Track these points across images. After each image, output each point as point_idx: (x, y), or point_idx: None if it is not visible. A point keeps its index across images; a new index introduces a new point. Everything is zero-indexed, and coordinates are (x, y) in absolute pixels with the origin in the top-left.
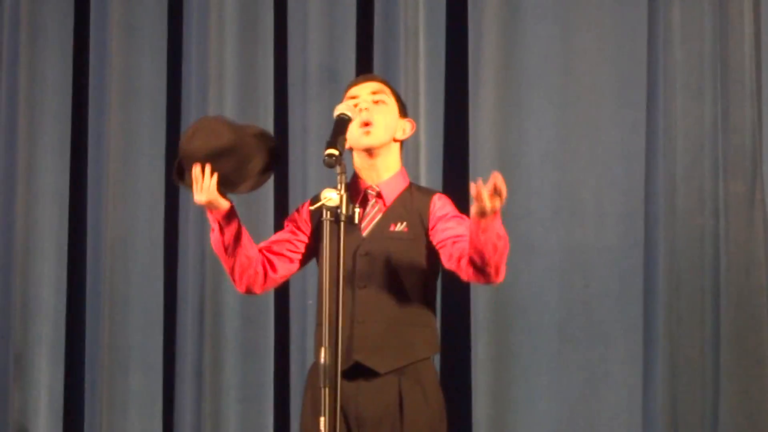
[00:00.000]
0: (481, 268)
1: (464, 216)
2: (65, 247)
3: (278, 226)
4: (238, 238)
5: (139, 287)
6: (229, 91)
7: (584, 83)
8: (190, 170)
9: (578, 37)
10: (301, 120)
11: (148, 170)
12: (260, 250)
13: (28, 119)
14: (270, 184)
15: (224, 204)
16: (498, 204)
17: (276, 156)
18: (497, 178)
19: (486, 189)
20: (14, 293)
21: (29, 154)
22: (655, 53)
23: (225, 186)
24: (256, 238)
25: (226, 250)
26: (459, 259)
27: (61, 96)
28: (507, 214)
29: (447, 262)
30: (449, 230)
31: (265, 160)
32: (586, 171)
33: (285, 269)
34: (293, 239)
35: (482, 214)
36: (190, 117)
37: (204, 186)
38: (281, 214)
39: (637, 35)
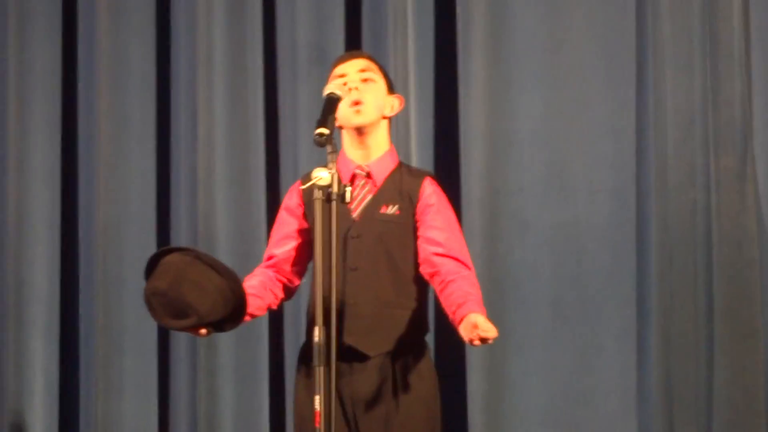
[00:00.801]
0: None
1: (450, 207)
2: (58, 230)
3: (269, 206)
4: (248, 316)
5: (133, 269)
6: (218, 72)
7: (573, 60)
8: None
9: (567, 14)
10: (290, 99)
11: (139, 152)
12: (273, 271)
13: (18, 102)
14: (260, 161)
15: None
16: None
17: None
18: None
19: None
20: (7, 276)
21: (20, 138)
22: (643, 29)
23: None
24: (248, 219)
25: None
26: (433, 276)
27: (50, 79)
28: (499, 191)
29: (422, 265)
30: (433, 232)
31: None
32: (576, 147)
33: (302, 274)
34: (296, 245)
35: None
36: (179, 98)
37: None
38: (273, 193)
39: (626, 11)
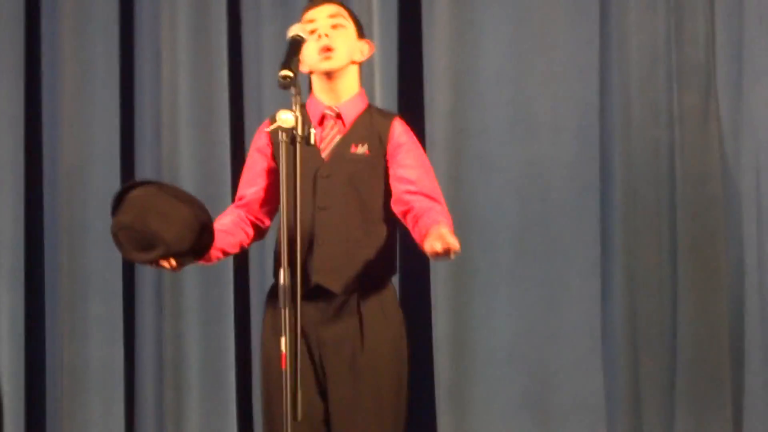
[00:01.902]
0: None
1: (420, 146)
2: (22, 175)
3: (234, 148)
4: (215, 253)
5: (97, 213)
6: (181, 13)
7: None
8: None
9: None
10: (254, 41)
11: (103, 95)
12: (244, 211)
13: None
14: (224, 103)
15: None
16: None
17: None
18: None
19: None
20: None
21: None
22: None
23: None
24: (212, 161)
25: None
26: (405, 213)
27: (13, 26)
28: (463, 132)
29: (394, 204)
30: (405, 170)
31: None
32: (540, 86)
33: (273, 214)
34: (265, 185)
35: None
36: (143, 41)
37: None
38: (237, 135)
39: None
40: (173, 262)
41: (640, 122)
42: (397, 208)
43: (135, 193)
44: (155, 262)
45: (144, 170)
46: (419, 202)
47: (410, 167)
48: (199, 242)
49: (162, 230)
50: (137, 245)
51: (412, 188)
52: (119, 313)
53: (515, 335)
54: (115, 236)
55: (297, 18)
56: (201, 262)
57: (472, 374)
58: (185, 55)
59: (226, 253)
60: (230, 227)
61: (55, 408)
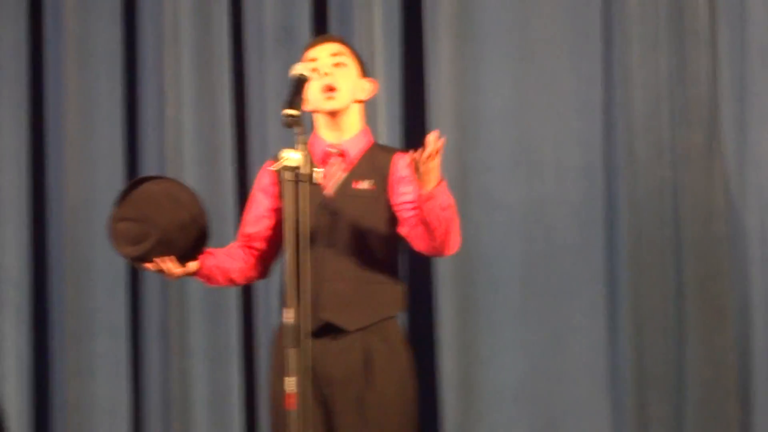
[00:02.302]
0: (429, 239)
1: None
2: (26, 211)
3: (238, 186)
4: (218, 273)
5: (102, 250)
6: (185, 51)
7: (540, 36)
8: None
9: None
10: (257, 79)
11: (107, 132)
12: (247, 250)
13: None
14: (228, 141)
15: (194, 266)
16: (431, 164)
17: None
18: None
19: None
20: None
21: None
22: (610, 5)
23: (185, 259)
24: (216, 199)
25: (215, 282)
26: (413, 228)
27: (17, 60)
28: (466, 169)
29: (400, 227)
30: (407, 195)
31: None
32: (544, 125)
33: (277, 254)
34: (271, 224)
35: (418, 173)
36: (146, 77)
37: (169, 273)
38: (241, 173)
39: None
40: (170, 264)
41: (644, 161)
42: (403, 230)
43: (137, 191)
44: (151, 261)
45: None
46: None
47: (411, 192)
48: (193, 232)
49: (156, 215)
50: (130, 238)
51: (413, 205)
52: (125, 350)
53: (522, 374)
54: (112, 229)
55: (300, 54)
56: (202, 280)
57: (478, 413)
58: (189, 92)
59: (229, 278)
60: (232, 254)
61: None
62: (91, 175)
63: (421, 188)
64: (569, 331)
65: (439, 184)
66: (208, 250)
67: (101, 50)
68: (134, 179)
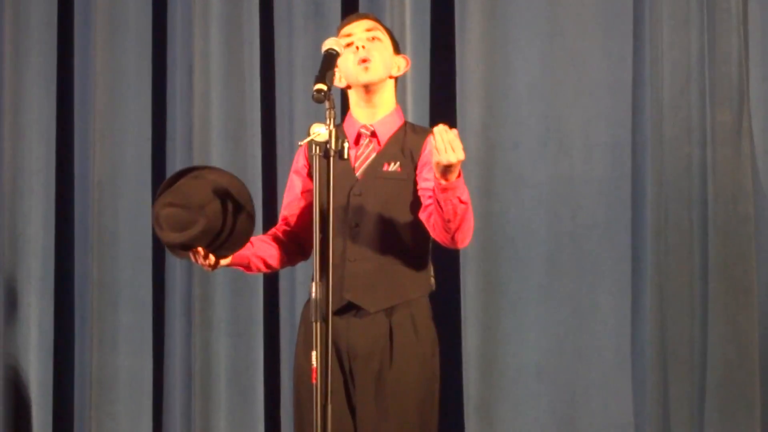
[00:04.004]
0: (442, 229)
1: None
2: (53, 184)
3: (265, 160)
4: (256, 261)
5: (127, 223)
6: (214, 27)
7: (570, 14)
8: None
9: None
10: (286, 54)
11: (135, 106)
12: (285, 231)
13: (13, 57)
14: (256, 117)
15: (227, 260)
16: (453, 158)
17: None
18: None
19: (443, 141)
20: (2, 230)
21: (15, 93)
22: None
23: (221, 251)
24: (243, 173)
25: (254, 270)
26: (429, 216)
27: (46, 32)
28: (495, 146)
29: (421, 214)
30: (429, 181)
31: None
32: (573, 102)
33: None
34: (304, 205)
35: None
36: (175, 53)
37: (207, 266)
38: (269, 148)
39: None
40: (211, 257)
41: (672, 140)
42: (423, 216)
43: (185, 178)
44: (193, 250)
45: None
46: None
47: (432, 180)
48: (240, 223)
49: (203, 203)
50: (177, 225)
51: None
52: (148, 323)
53: (545, 351)
54: (156, 218)
55: (330, 29)
56: (241, 269)
57: (500, 390)
58: (217, 66)
59: (267, 264)
60: (271, 241)
61: (82, 418)
62: (118, 149)
63: (440, 178)
64: (593, 310)
65: (459, 176)
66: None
67: (130, 25)
68: (183, 168)
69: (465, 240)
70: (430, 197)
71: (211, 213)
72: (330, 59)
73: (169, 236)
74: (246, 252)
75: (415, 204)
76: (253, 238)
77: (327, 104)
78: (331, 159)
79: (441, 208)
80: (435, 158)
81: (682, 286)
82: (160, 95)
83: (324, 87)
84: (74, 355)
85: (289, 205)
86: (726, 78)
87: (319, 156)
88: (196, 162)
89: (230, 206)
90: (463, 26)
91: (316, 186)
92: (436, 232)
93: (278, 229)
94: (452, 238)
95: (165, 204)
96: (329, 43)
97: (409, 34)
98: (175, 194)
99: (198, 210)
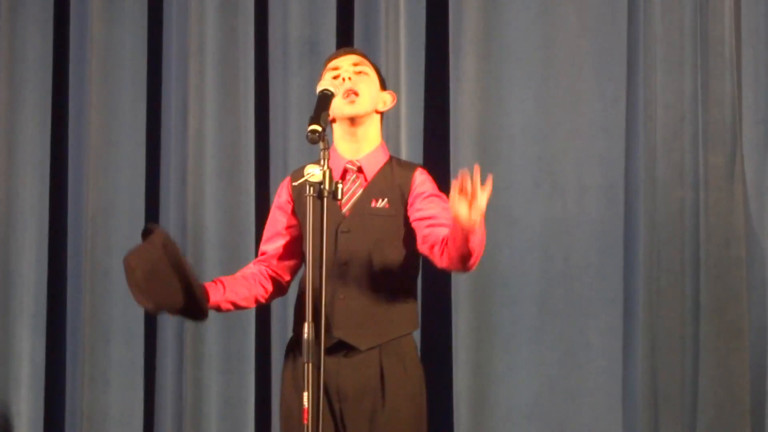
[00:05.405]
0: (457, 261)
1: (443, 195)
2: (46, 219)
3: (258, 199)
4: (226, 305)
5: (120, 258)
6: (210, 64)
7: (564, 56)
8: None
9: (559, 10)
10: (281, 93)
11: (129, 143)
12: (264, 266)
13: (9, 91)
14: (250, 154)
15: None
16: (478, 215)
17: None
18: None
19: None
20: None
21: (10, 127)
22: (635, 26)
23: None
24: (237, 211)
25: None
26: (432, 246)
27: (41, 69)
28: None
29: (420, 245)
30: (425, 210)
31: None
32: (566, 144)
33: (294, 270)
34: (286, 242)
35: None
36: (170, 89)
37: None
38: (262, 186)
39: (618, 7)
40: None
41: (665, 182)
42: (423, 248)
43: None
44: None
45: (168, 219)
46: (444, 231)
47: (429, 208)
48: (188, 307)
49: (155, 294)
50: (138, 288)
51: (434, 221)
52: (140, 359)
53: (536, 392)
54: (127, 267)
55: (323, 69)
56: (215, 310)
57: (491, 430)
58: (212, 104)
59: (237, 306)
60: (247, 280)
61: None
62: (111, 184)
63: (466, 221)
64: (584, 350)
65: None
66: (219, 279)
67: (125, 59)
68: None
69: (476, 263)
70: (428, 226)
71: (155, 299)
72: (325, 100)
73: (132, 289)
74: (218, 297)
75: (405, 239)
76: (225, 278)
77: (321, 145)
78: (326, 200)
79: (470, 246)
80: (461, 224)
81: (674, 328)
82: (155, 131)
83: (318, 128)
84: (65, 391)
85: (270, 240)
86: (719, 121)
87: (313, 197)
88: (190, 198)
89: (168, 289)
90: (457, 66)
91: (309, 227)
92: (450, 262)
93: (258, 262)
94: (470, 266)
95: (131, 266)
96: (324, 84)
97: (403, 73)
98: (143, 269)
99: (145, 295)
